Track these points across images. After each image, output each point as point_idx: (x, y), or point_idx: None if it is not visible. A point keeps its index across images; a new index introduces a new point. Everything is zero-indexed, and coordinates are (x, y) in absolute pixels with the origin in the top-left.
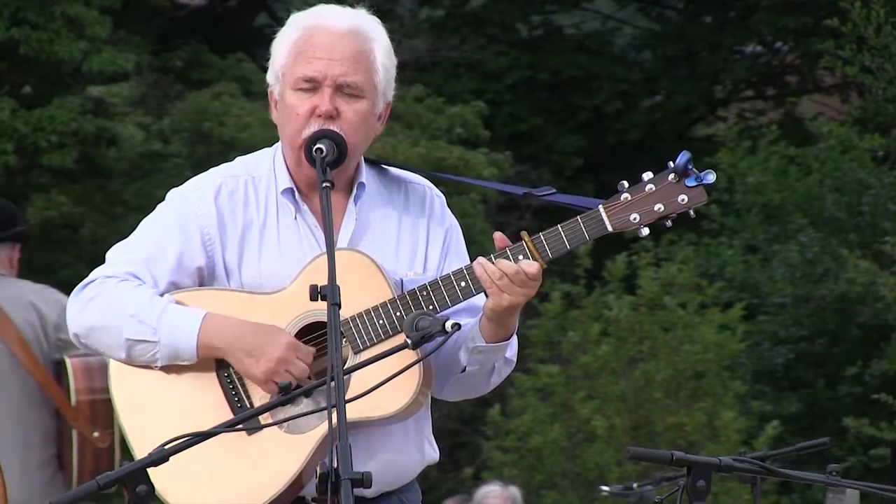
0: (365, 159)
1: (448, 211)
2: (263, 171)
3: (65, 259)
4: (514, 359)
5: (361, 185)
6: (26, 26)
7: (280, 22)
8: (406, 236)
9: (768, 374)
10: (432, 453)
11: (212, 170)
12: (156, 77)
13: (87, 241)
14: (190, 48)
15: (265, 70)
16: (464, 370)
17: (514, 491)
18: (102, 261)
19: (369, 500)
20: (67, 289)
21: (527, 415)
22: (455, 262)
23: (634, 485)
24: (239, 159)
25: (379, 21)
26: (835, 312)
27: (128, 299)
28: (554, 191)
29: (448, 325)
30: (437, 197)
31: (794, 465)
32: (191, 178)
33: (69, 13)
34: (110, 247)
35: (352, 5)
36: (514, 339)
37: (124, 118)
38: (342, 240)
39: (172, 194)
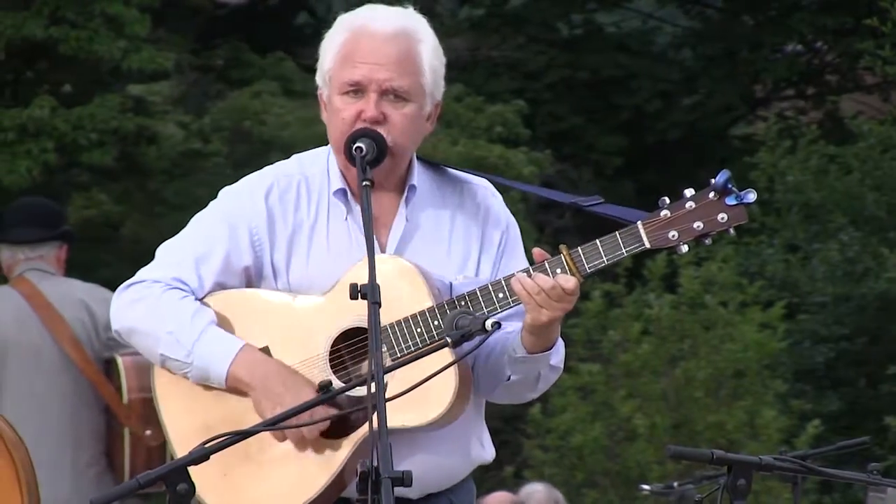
0: (423, 160)
1: (505, 212)
2: (317, 171)
3: (105, 258)
4: (561, 365)
5: (412, 187)
6: (66, 25)
7: (321, 20)
8: (458, 239)
9: (809, 372)
10: (482, 453)
11: (267, 168)
12: (196, 76)
13: (128, 240)
14: (230, 47)
15: (306, 69)
16: (508, 378)
17: (558, 494)
18: (143, 260)
19: (415, 501)
20: (107, 288)
21: (567, 413)
22: (510, 263)
23: (675, 484)
24: (295, 157)
25: (426, 21)
26: (875, 311)
27: (169, 313)
28: (601, 201)
29: (488, 323)
30: (493, 197)
31: (834, 464)
32: (231, 176)
33: (108, 12)
34: (151, 246)
35: (401, 4)
36: (560, 347)
37: (164, 117)
38: (391, 241)
39: (224, 192)
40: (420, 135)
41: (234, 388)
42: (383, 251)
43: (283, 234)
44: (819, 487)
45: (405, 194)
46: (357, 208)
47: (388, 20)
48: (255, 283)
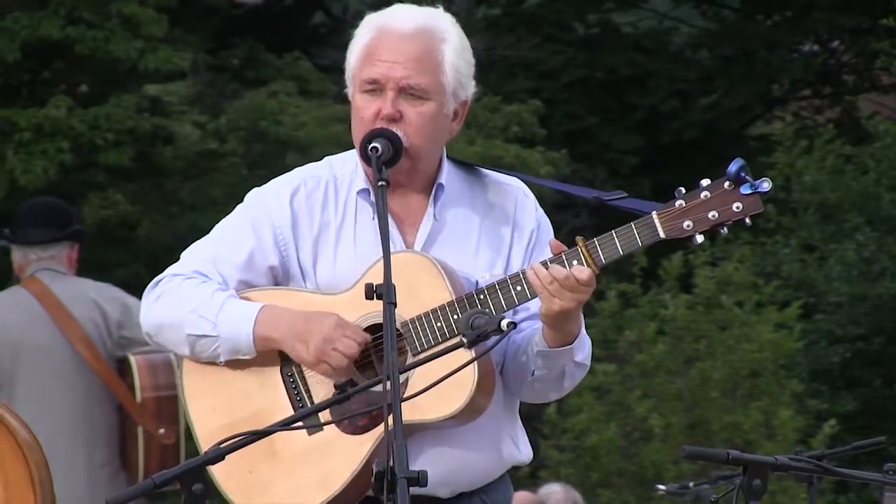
0: (455, 160)
1: (537, 212)
2: (347, 172)
3: (121, 258)
4: (587, 362)
5: (440, 186)
6: (82, 25)
7: (337, 20)
8: (487, 238)
9: (825, 372)
10: (516, 453)
11: (297, 168)
12: (212, 76)
13: (144, 240)
14: (246, 47)
15: (321, 69)
16: (532, 374)
17: (576, 495)
18: (159, 259)
19: (445, 501)
20: (124, 288)
21: (583, 413)
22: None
23: (691, 484)
24: (327, 158)
25: (453, 20)
26: (891, 311)
27: (189, 295)
28: (624, 195)
29: (503, 323)
30: (526, 198)
31: (850, 464)
32: (247, 177)
33: (125, 12)
34: (166, 245)
35: (427, 3)
36: (585, 344)
37: (180, 117)
38: (419, 241)
39: (251, 194)
40: (441, 133)
41: (266, 348)
42: None
43: (308, 235)
44: (835, 487)
45: (433, 193)
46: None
47: (409, 18)
48: (283, 283)
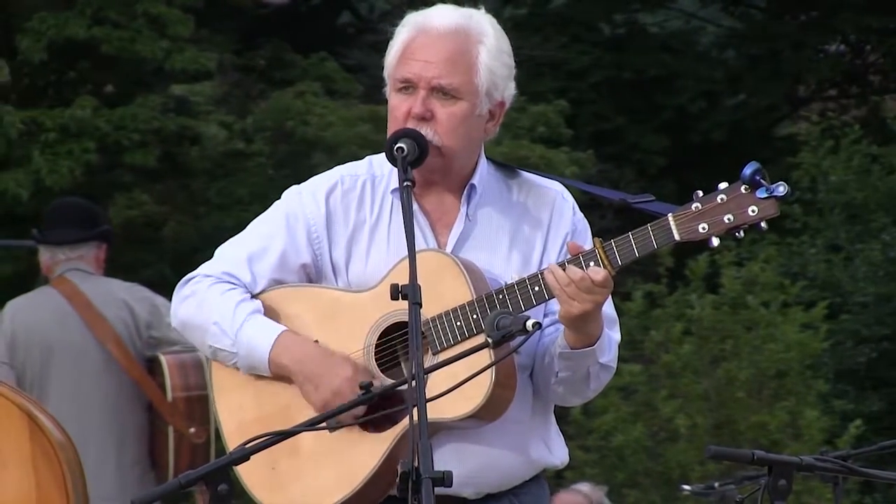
0: (495, 162)
1: (575, 215)
2: (385, 171)
3: (147, 258)
4: (613, 364)
5: (472, 186)
6: (108, 25)
7: (364, 20)
8: (520, 240)
9: (851, 373)
10: (546, 455)
11: (338, 166)
12: (238, 76)
13: (170, 241)
14: (272, 47)
15: (348, 69)
16: (557, 375)
17: (601, 495)
18: (185, 260)
19: (472, 502)
20: (150, 288)
21: (609, 414)
22: None
23: (716, 484)
24: (369, 157)
25: (493, 21)
26: None
27: (214, 305)
28: (652, 199)
29: (529, 323)
30: (564, 201)
31: (875, 464)
32: (273, 177)
33: (151, 12)
34: (193, 246)
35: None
36: (609, 346)
37: (207, 117)
38: (450, 241)
39: (288, 192)
40: (474, 134)
41: (279, 374)
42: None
43: (343, 233)
44: (860, 488)
45: (465, 194)
46: (415, 206)
47: (446, 18)
48: (315, 280)
